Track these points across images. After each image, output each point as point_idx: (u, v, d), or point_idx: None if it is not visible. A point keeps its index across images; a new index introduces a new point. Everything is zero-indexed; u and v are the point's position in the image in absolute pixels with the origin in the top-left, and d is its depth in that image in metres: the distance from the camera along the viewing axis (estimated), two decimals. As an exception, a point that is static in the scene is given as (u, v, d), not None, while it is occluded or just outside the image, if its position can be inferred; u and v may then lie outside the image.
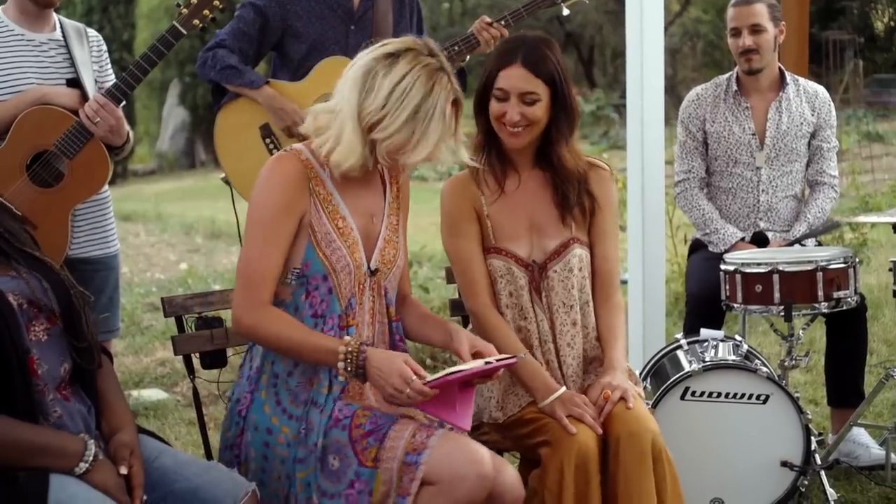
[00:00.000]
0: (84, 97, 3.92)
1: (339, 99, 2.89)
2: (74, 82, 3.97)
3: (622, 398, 3.12)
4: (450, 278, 3.73)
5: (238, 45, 4.28)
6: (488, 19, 4.38)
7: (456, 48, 4.34)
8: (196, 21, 3.90)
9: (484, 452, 2.85)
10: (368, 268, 2.99)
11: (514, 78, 3.19)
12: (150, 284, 9.89)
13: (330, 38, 4.33)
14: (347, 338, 2.85)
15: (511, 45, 3.26)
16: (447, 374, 2.82)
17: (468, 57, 4.42)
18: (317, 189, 2.92)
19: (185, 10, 3.90)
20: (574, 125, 3.30)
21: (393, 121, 2.82)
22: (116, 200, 4.29)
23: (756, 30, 4.56)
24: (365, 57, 2.89)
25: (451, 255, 3.37)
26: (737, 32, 4.61)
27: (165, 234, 13.83)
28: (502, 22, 4.36)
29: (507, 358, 2.96)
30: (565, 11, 4.48)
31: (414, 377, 2.77)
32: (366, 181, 3.02)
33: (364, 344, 2.84)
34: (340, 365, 2.81)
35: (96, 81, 4.06)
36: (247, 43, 4.28)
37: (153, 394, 6.15)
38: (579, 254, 3.30)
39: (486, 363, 2.89)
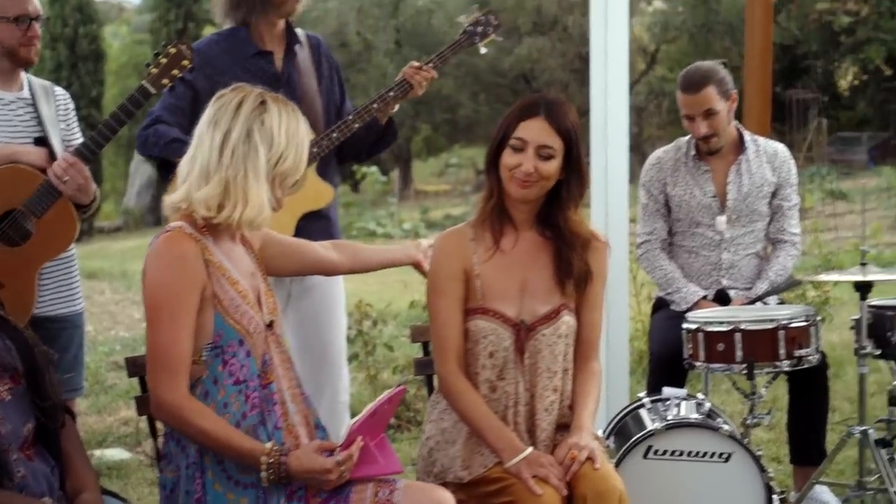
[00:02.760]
0: (52, 156, 3.92)
1: (227, 171, 2.91)
2: (42, 141, 3.97)
3: (589, 458, 3.14)
4: (415, 337, 3.75)
5: (175, 119, 4.28)
6: (417, 63, 4.46)
7: (391, 94, 4.43)
8: (165, 80, 3.91)
9: (448, 495, 2.95)
10: (266, 323, 3.02)
11: (535, 130, 3.21)
12: (114, 343, 9.84)
13: None
14: (268, 444, 2.87)
15: (534, 99, 3.30)
16: (349, 429, 2.92)
17: (397, 106, 4.52)
18: (210, 259, 2.92)
19: (154, 70, 3.92)
20: (584, 189, 3.32)
21: (288, 153, 2.96)
22: (82, 258, 4.29)
23: (709, 114, 4.58)
24: (229, 123, 2.95)
25: (430, 312, 3.37)
26: (691, 118, 4.62)
27: (130, 292, 13.74)
28: (430, 64, 4.45)
29: (393, 390, 3.02)
30: (483, 49, 4.60)
31: (333, 459, 2.85)
32: (233, 243, 3.06)
33: (282, 454, 2.85)
34: (263, 475, 2.84)
35: (63, 139, 4.07)
36: (181, 117, 4.27)
37: (116, 453, 6.10)
38: (568, 321, 3.31)
39: (378, 401, 2.96)
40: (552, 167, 3.22)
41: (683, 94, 4.62)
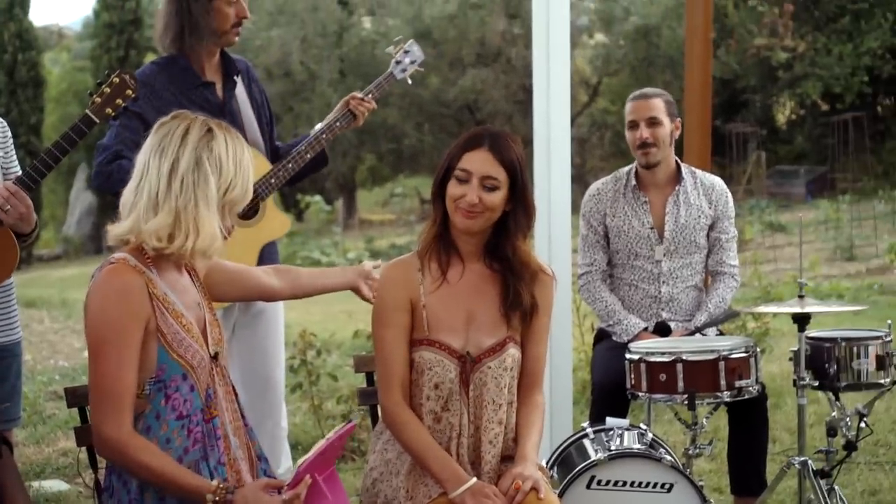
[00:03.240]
0: (-9, 185, 3.89)
1: (178, 200, 2.88)
2: (-20, 170, 3.94)
3: (534, 488, 3.14)
4: (358, 367, 3.74)
5: (133, 154, 4.27)
6: (359, 94, 4.56)
7: (338, 124, 4.53)
8: (109, 109, 3.88)
9: None
10: (210, 355, 3.00)
11: (478, 161, 3.23)
12: (53, 372, 9.72)
13: None
14: (214, 482, 2.84)
15: (477, 132, 3.32)
16: (297, 468, 2.88)
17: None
18: (154, 292, 2.89)
19: (97, 99, 3.89)
20: (531, 221, 3.33)
21: (237, 180, 2.96)
22: (21, 286, 4.25)
23: (653, 122, 4.67)
24: (176, 151, 2.92)
25: (375, 343, 3.36)
26: (634, 125, 4.72)
27: (70, 321, 13.59)
28: (369, 95, 4.57)
29: (343, 427, 3.00)
30: (409, 80, 4.75)
31: (280, 497, 2.82)
32: (179, 273, 3.03)
33: (228, 491, 2.82)
34: None
35: (1, 167, 4.03)
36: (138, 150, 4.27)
37: (55, 485, 6.01)
38: (513, 353, 3.31)
39: (327, 440, 2.93)
40: (497, 198, 3.24)
41: (632, 101, 4.76)
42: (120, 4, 31.51)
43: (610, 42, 26.29)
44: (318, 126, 4.59)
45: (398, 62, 4.69)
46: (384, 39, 25.80)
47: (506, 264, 3.32)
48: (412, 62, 4.71)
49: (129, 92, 3.91)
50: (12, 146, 4.17)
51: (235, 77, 4.49)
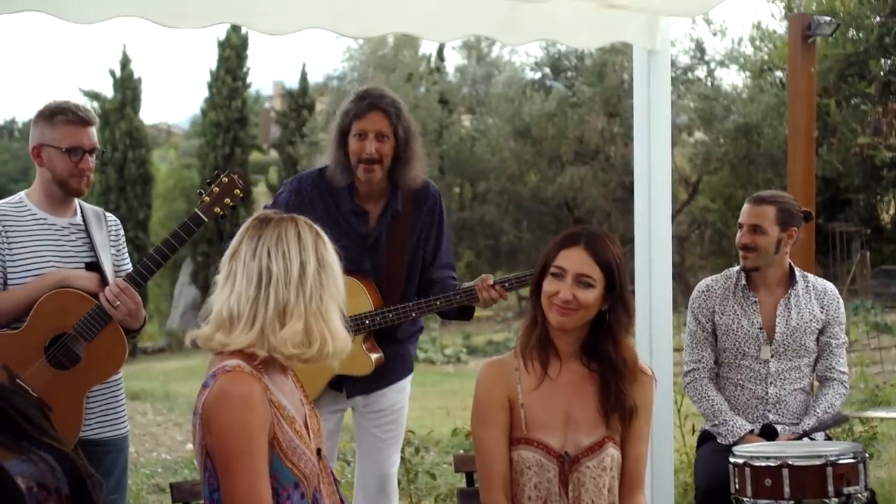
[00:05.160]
0: (103, 280, 3.99)
1: (308, 304, 2.83)
2: (93, 266, 4.04)
3: None
4: (458, 467, 3.73)
5: None
6: (491, 280, 4.32)
7: (458, 297, 4.33)
8: (217, 209, 3.98)
9: None
10: (314, 450, 2.95)
11: (573, 259, 3.26)
12: (155, 465, 9.82)
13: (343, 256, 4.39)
14: None
15: (575, 230, 3.36)
16: None
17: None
18: (272, 399, 2.82)
19: (206, 198, 3.99)
20: (631, 320, 3.34)
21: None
22: (125, 378, 4.32)
23: (756, 230, 4.65)
24: (300, 254, 2.86)
25: (475, 443, 3.36)
26: (740, 227, 4.72)
27: (172, 414, 13.76)
28: (506, 284, 4.32)
29: None
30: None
31: None
32: (285, 375, 2.97)
33: None
34: None
35: (114, 265, 4.13)
36: None
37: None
38: (613, 453, 3.29)
39: None
40: (591, 296, 3.25)
41: (746, 203, 4.77)
42: (226, 104, 32.34)
43: (710, 140, 26.19)
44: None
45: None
46: (483, 137, 26.05)
47: (605, 364, 3.31)
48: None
49: (238, 192, 4.01)
50: (124, 243, 4.28)
51: (396, 207, 4.38)
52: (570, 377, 3.34)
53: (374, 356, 4.34)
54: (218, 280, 2.91)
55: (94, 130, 4.07)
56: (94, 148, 4.07)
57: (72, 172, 4.02)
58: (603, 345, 3.31)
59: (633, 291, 3.38)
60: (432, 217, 4.48)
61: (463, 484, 3.72)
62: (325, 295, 2.85)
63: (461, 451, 7.33)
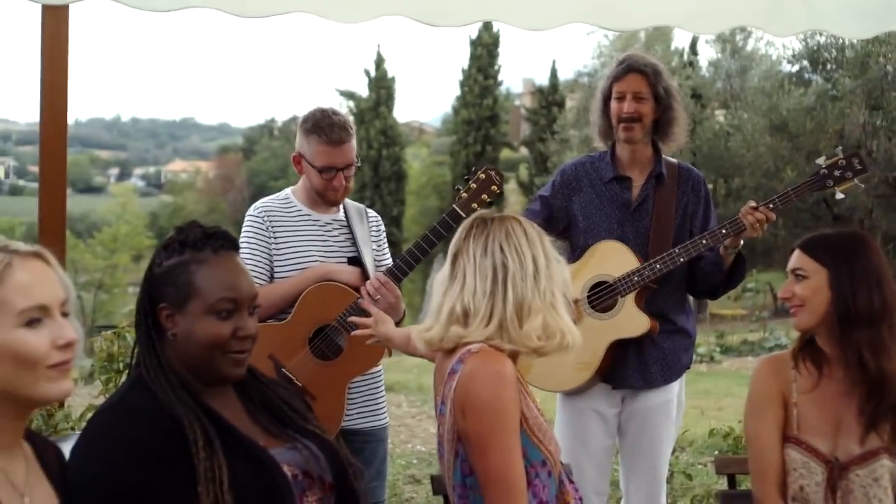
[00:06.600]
0: (364, 275, 4.08)
1: (543, 298, 2.85)
2: (355, 260, 4.14)
3: None
4: (720, 469, 3.63)
5: None
6: (754, 203, 4.24)
7: (723, 231, 4.23)
8: (474, 205, 4.01)
9: None
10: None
11: (793, 257, 3.27)
12: (411, 456, 9.99)
13: (604, 227, 4.38)
14: None
15: (813, 236, 3.31)
16: None
17: (741, 242, 4.31)
18: (518, 376, 2.83)
19: (464, 194, 4.03)
20: (880, 325, 3.15)
21: None
22: (380, 371, 4.41)
23: None
24: (531, 250, 2.87)
25: (748, 437, 3.32)
26: None
27: (426, 406, 13.97)
28: (770, 205, 4.22)
29: None
30: (839, 195, 4.33)
31: None
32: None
33: None
34: None
35: (374, 259, 4.22)
36: None
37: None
38: (886, 464, 3.14)
39: None
40: (804, 289, 3.20)
41: None
42: (478, 101, 32.75)
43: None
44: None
45: (822, 174, 4.25)
46: (738, 132, 25.46)
47: (878, 374, 3.14)
48: (842, 175, 4.24)
49: (495, 188, 4.03)
50: (385, 239, 4.37)
51: (660, 175, 4.39)
52: (839, 383, 3.21)
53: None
54: (438, 280, 2.96)
55: (349, 146, 4.07)
56: (350, 164, 4.10)
57: (326, 188, 4.11)
58: (864, 353, 3.15)
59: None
60: (697, 196, 4.43)
61: (721, 485, 3.61)
62: (555, 288, 2.87)
63: (716, 452, 7.17)
